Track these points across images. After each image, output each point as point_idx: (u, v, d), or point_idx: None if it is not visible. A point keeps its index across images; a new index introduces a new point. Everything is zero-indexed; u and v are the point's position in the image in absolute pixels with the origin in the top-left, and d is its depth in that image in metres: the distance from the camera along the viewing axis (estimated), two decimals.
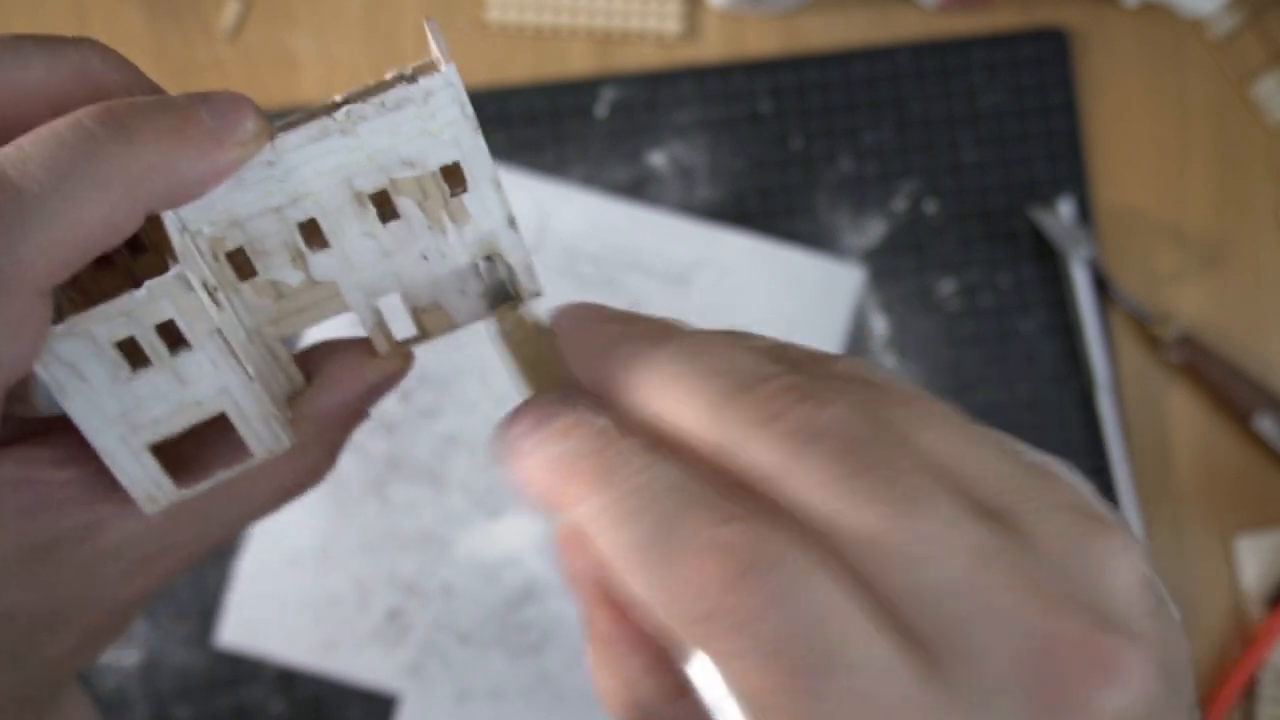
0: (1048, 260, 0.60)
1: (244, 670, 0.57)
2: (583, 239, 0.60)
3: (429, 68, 0.25)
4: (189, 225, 0.25)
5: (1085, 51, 0.62)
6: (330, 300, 0.27)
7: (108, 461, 0.25)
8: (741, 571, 0.18)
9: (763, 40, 0.61)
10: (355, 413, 0.29)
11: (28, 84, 0.24)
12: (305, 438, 0.28)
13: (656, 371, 0.22)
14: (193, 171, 0.23)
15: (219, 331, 0.25)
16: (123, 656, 0.57)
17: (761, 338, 0.23)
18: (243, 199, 0.25)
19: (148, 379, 0.25)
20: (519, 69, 0.61)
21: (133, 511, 0.26)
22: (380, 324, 0.28)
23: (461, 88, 0.25)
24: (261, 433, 0.26)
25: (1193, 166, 0.62)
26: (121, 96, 0.24)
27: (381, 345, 0.28)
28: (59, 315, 0.23)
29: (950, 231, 0.60)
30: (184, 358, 0.24)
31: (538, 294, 0.28)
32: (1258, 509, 0.61)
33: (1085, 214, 0.60)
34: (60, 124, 0.23)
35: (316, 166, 0.26)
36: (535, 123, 0.60)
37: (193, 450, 0.26)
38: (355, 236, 0.26)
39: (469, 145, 0.26)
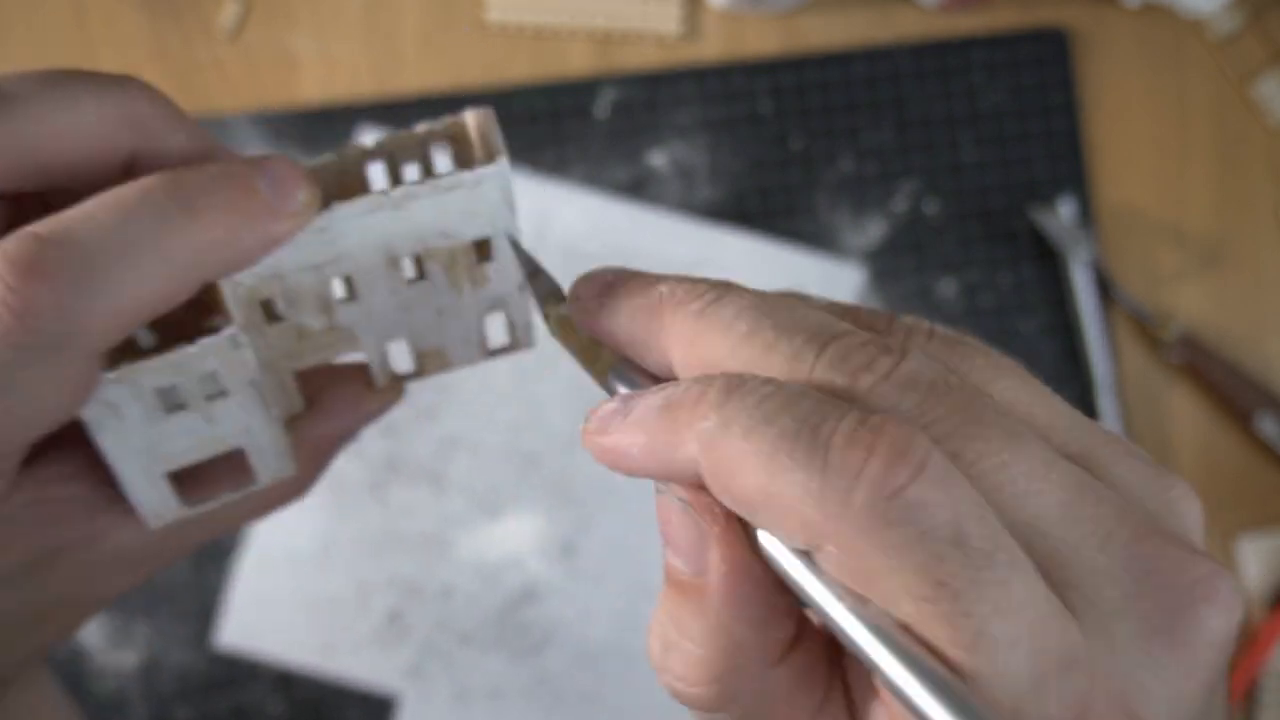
0: (1048, 260, 0.60)
1: (244, 671, 0.57)
2: (583, 239, 0.60)
3: (487, 150, 0.28)
4: (241, 283, 0.26)
5: (1085, 51, 0.62)
6: (346, 341, 0.29)
7: (125, 487, 0.27)
8: (901, 453, 0.18)
9: (763, 40, 0.61)
10: (346, 438, 0.30)
11: (79, 128, 0.24)
12: (299, 459, 0.29)
13: (727, 330, 0.21)
14: (251, 244, 0.24)
15: (255, 382, 0.27)
16: (123, 657, 0.57)
17: (818, 299, 0.23)
18: (289, 257, 0.26)
19: (180, 420, 0.26)
20: (519, 69, 0.61)
21: (131, 522, 0.27)
22: (385, 362, 0.29)
23: (509, 177, 0.27)
24: (270, 462, 0.28)
25: (1193, 166, 0.62)
26: (166, 139, 0.25)
27: (380, 380, 0.30)
28: (109, 361, 0.24)
29: (950, 232, 0.60)
30: (218, 403, 0.26)
31: (530, 347, 0.30)
32: (1258, 509, 0.60)
33: (1085, 214, 0.60)
34: (129, 192, 0.23)
35: (363, 234, 0.27)
36: (535, 123, 0.60)
37: (207, 469, 0.28)
38: (382, 293, 0.28)
39: (502, 224, 0.28)
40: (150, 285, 0.23)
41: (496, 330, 0.30)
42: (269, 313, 0.27)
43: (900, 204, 0.60)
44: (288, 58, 0.61)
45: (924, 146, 0.60)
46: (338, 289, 0.28)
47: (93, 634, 0.57)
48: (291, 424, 0.29)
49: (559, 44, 0.61)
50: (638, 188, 0.60)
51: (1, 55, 0.61)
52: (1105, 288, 0.60)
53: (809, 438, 0.19)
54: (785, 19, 0.62)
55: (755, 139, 0.60)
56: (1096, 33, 0.62)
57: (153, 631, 0.57)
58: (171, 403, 0.26)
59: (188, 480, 0.28)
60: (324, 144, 0.59)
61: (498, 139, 0.27)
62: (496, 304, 0.29)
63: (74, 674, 0.57)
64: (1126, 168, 0.61)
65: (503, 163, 0.27)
